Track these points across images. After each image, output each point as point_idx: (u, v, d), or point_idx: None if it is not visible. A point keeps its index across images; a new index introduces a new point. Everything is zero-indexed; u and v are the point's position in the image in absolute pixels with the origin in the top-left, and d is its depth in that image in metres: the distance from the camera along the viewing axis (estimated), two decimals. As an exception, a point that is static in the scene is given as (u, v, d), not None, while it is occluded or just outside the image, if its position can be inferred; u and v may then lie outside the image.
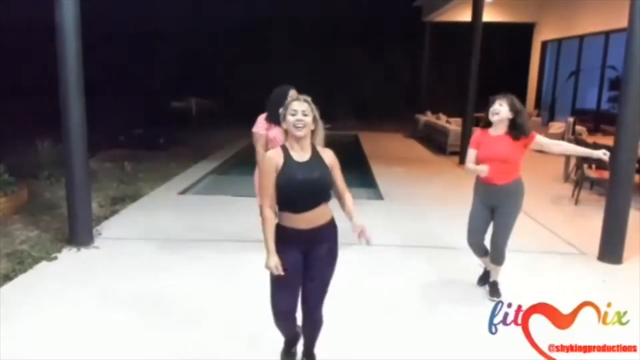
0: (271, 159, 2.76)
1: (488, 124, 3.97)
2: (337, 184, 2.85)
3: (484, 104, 4.04)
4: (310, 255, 2.82)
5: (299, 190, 2.72)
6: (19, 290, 4.23)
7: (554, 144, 4.16)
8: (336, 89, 17.95)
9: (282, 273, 2.71)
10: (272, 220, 2.76)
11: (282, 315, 2.91)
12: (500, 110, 3.83)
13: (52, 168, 7.86)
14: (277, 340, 3.39)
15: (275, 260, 2.70)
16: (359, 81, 18.52)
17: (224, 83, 17.96)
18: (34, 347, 3.39)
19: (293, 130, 2.73)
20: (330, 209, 2.86)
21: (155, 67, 17.64)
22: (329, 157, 2.84)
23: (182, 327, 3.64)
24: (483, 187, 4.03)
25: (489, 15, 12.40)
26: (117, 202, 6.79)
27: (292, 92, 4.63)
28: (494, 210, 4.03)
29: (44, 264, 4.74)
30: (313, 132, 2.82)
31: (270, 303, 2.87)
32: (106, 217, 6.15)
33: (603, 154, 3.91)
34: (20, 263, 4.68)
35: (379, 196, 7.74)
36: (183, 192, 7.68)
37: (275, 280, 2.79)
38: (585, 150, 4.27)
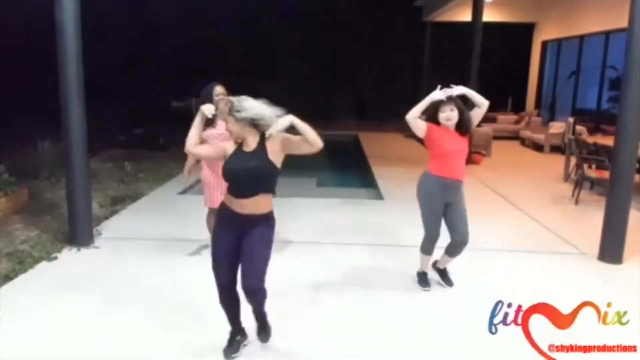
0: (224, 146, 3.12)
1: (434, 121, 4.06)
2: (300, 147, 2.96)
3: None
4: (244, 237, 3.04)
5: (235, 176, 3.02)
6: (19, 290, 4.24)
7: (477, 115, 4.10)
8: (336, 89, 17.93)
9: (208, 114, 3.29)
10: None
11: (221, 289, 3.17)
12: (453, 115, 3.98)
13: (52, 168, 7.86)
14: (276, 340, 3.40)
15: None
16: (359, 81, 18.50)
17: (224, 83, 17.93)
18: (34, 347, 3.39)
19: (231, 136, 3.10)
20: (269, 204, 3.08)
21: (155, 67, 17.63)
22: (274, 144, 3.00)
23: (182, 327, 3.64)
24: (443, 184, 4.08)
25: (489, 15, 12.39)
26: (118, 202, 6.79)
27: (218, 89, 4.78)
28: (448, 206, 4.13)
29: (44, 264, 4.74)
30: (256, 125, 2.99)
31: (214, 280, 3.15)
32: (106, 217, 6.16)
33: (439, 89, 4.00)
34: (21, 263, 4.68)
35: (379, 196, 7.74)
36: (183, 192, 7.68)
37: (215, 255, 3.14)
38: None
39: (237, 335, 3.34)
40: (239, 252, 3.05)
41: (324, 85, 17.66)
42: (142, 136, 11.71)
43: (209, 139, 4.63)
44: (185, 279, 4.49)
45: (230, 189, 3.06)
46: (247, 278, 3.02)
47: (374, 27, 18.22)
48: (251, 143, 3.02)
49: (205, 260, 4.87)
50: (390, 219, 6.41)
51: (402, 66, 18.49)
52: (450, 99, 3.97)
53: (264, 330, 3.34)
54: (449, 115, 3.98)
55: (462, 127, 4.03)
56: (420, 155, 11.96)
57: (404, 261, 4.93)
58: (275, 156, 3.00)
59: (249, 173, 2.97)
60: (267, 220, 3.07)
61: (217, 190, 4.60)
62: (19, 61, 14.09)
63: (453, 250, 4.29)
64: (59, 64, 4.95)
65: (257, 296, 3.12)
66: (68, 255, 4.98)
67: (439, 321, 3.83)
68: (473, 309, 3.89)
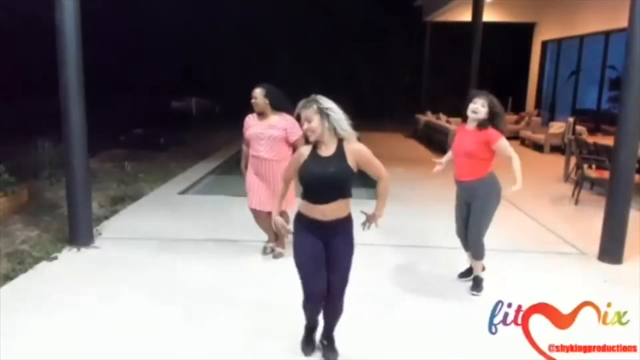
0: (299, 155, 3.03)
1: (466, 118, 4.07)
2: (370, 172, 3.09)
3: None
4: (328, 247, 3.01)
5: (315, 182, 2.94)
6: (19, 290, 4.23)
7: (509, 157, 3.99)
8: (336, 89, 17.93)
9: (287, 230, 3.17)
10: (283, 190, 3.24)
11: (313, 297, 3.06)
12: (481, 110, 3.93)
13: (52, 168, 7.86)
14: (276, 340, 3.40)
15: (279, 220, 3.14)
16: (359, 81, 18.51)
17: (225, 83, 17.97)
18: (34, 347, 3.39)
19: (307, 137, 2.96)
20: (348, 206, 3.04)
21: (155, 67, 17.64)
22: (353, 152, 2.98)
23: (181, 326, 3.64)
24: (456, 183, 4.21)
25: (489, 15, 12.41)
26: (117, 202, 6.79)
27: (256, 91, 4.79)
28: (469, 206, 4.16)
29: (44, 264, 4.74)
30: (335, 129, 2.94)
31: (302, 286, 3.06)
32: (106, 217, 6.15)
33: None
34: (21, 263, 4.68)
35: (379, 196, 7.73)
36: (183, 192, 7.69)
37: (303, 264, 3.01)
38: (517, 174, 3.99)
39: (313, 332, 3.31)
40: (326, 259, 3.02)
41: (324, 85, 17.68)
42: (142, 136, 11.70)
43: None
44: (186, 278, 4.49)
45: (308, 195, 2.98)
46: (334, 291, 3.03)
47: (374, 27, 18.24)
48: (330, 146, 2.95)
49: (205, 260, 4.90)
50: (390, 219, 6.38)
51: (402, 66, 18.51)
52: (485, 95, 3.94)
53: (332, 350, 3.25)
54: (476, 108, 3.93)
55: (482, 124, 3.92)
56: (420, 155, 12.02)
57: (405, 261, 4.93)
58: (353, 161, 2.96)
59: (328, 179, 2.91)
60: (347, 223, 3.04)
61: (257, 192, 4.78)
62: (19, 61, 14.10)
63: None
64: (59, 64, 4.94)
65: (340, 308, 3.12)
66: (68, 255, 4.98)
67: (438, 321, 3.83)
68: (473, 309, 3.90)
